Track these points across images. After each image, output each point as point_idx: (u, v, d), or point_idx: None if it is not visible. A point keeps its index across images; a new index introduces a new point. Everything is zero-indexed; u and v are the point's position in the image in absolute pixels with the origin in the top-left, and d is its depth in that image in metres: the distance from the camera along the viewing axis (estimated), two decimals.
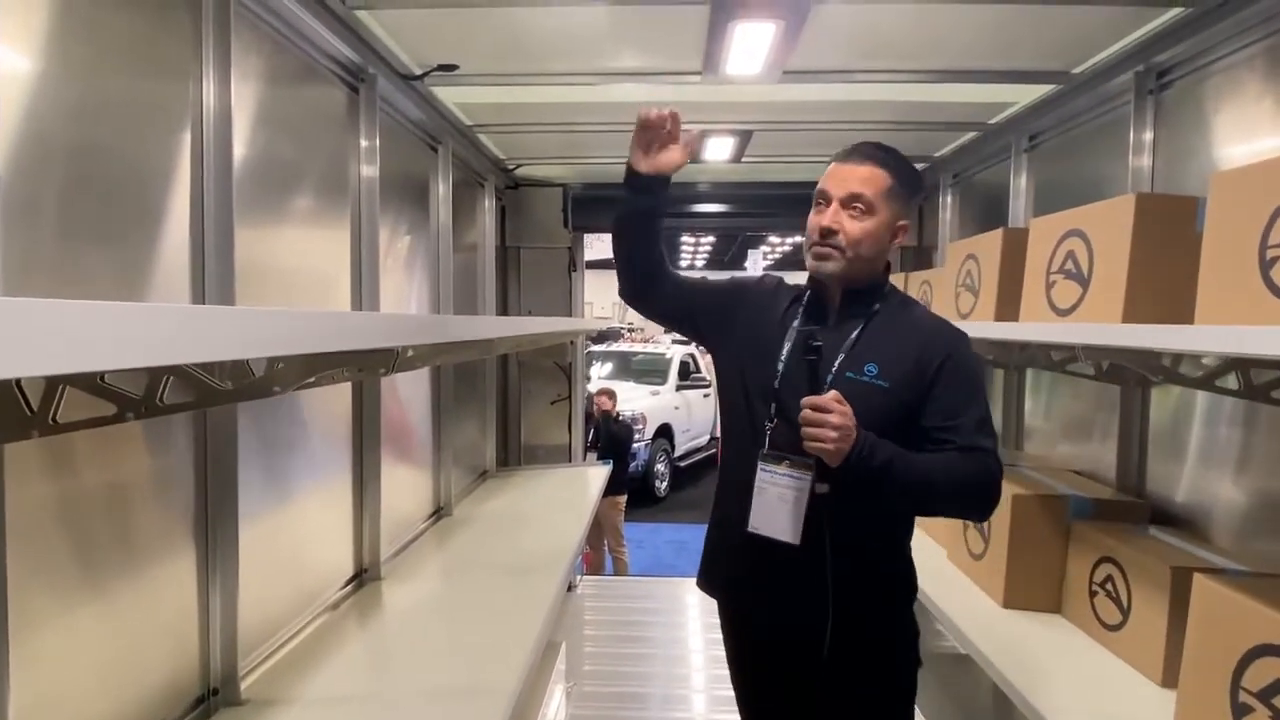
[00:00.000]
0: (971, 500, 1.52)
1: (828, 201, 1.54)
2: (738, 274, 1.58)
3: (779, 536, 1.49)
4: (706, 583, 1.72)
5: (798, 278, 1.71)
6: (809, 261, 1.58)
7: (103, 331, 0.60)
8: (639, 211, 1.66)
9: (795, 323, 1.58)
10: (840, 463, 1.40)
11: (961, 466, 1.45)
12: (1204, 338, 1.31)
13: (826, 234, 1.53)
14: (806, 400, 1.42)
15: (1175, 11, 2.01)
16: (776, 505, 1.49)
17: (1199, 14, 1.96)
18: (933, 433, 1.48)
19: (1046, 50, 2.36)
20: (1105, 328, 1.66)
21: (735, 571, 1.63)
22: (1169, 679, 1.66)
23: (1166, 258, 1.64)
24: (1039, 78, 2.57)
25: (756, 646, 1.67)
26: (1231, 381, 1.56)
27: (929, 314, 1.64)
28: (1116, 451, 2.32)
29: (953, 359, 1.51)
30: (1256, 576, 1.43)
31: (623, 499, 6.21)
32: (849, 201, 1.52)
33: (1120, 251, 1.70)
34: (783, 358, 1.56)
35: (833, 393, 1.42)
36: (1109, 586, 1.91)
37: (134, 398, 1.04)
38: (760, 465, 1.51)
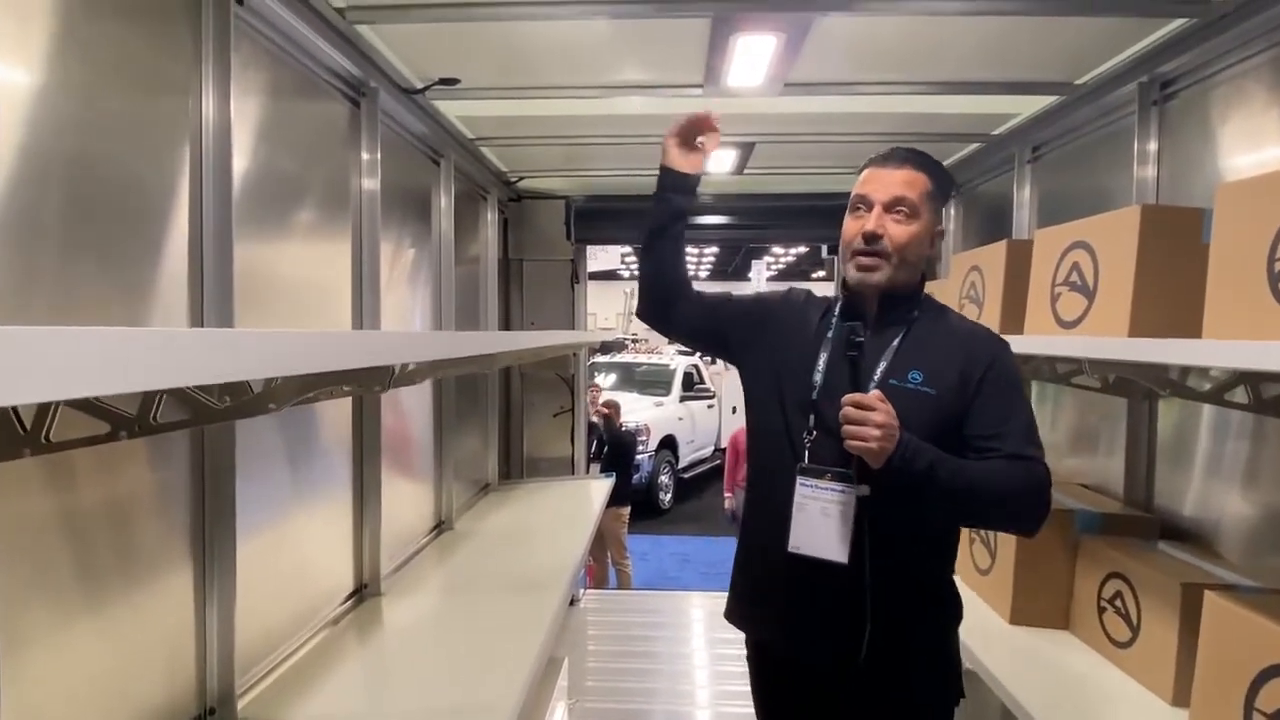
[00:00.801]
0: (1021, 509, 1.44)
1: (869, 206, 1.49)
2: (761, 290, 1.62)
3: (824, 555, 1.41)
4: (741, 616, 1.64)
5: (815, 291, 1.70)
6: (850, 272, 1.51)
7: (94, 357, 0.59)
8: (674, 212, 1.64)
9: (830, 333, 1.54)
10: (883, 464, 1.34)
11: (1009, 475, 1.40)
12: (1212, 352, 1.29)
13: (871, 239, 1.47)
14: (848, 398, 1.36)
15: (1179, 22, 2.00)
16: (819, 521, 1.42)
17: (1203, 24, 1.95)
18: (977, 442, 1.42)
19: (1049, 61, 2.36)
20: (1111, 341, 1.64)
21: (774, 599, 1.54)
22: (1180, 698, 1.64)
23: (1172, 269, 1.62)
24: (1042, 89, 2.57)
25: (783, 664, 1.58)
26: (1240, 395, 1.54)
27: (967, 320, 1.61)
28: (1124, 465, 2.30)
29: (996, 367, 1.46)
30: (1269, 594, 1.41)
31: (626, 510, 6.18)
32: (892, 206, 1.47)
33: (1126, 263, 1.68)
34: (820, 369, 1.51)
35: (875, 391, 1.38)
36: (1118, 603, 1.88)
37: (127, 416, 1.02)
38: (799, 480, 1.45)
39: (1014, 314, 2.20)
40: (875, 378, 1.46)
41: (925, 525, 1.48)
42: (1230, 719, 1.29)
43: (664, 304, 1.69)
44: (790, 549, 1.44)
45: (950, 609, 1.56)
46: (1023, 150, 2.96)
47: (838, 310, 1.56)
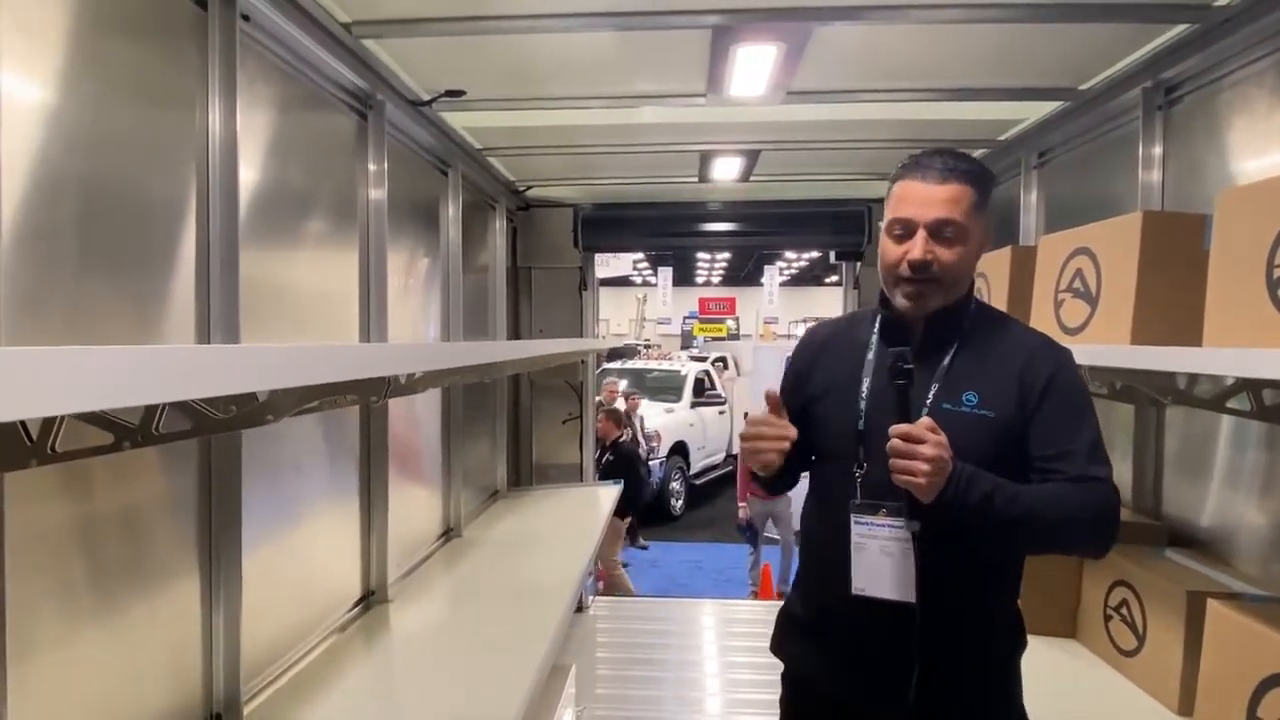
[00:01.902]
0: (1086, 535, 1.34)
1: (910, 230, 1.36)
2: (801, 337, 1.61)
3: (890, 596, 1.33)
4: (789, 653, 1.55)
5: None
6: (898, 300, 1.40)
7: (96, 374, 0.63)
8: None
9: (870, 354, 1.44)
10: (934, 499, 1.25)
11: (1073, 498, 1.29)
12: (1212, 360, 1.29)
13: (921, 269, 1.35)
14: (895, 429, 1.26)
15: (1182, 27, 1.99)
16: (880, 561, 1.34)
17: (1206, 29, 1.94)
18: (1039, 463, 1.33)
19: (1054, 67, 2.35)
20: (1113, 349, 1.64)
21: (829, 639, 1.46)
22: (1185, 707, 1.62)
23: (1175, 276, 1.61)
24: (1047, 94, 2.56)
25: (825, 704, 1.48)
26: (1243, 402, 1.53)
27: (1027, 329, 1.49)
28: (1131, 472, 2.28)
29: (1058, 380, 1.35)
30: (1273, 602, 1.40)
31: (622, 523, 6.16)
32: (939, 229, 1.35)
33: (1128, 270, 1.68)
34: (864, 395, 1.41)
35: (924, 419, 1.27)
36: (1124, 611, 1.87)
37: (130, 427, 1.05)
38: (854, 519, 1.36)
39: (1019, 320, 2.19)
40: (926, 403, 1.35)
41: (980, 559, 1.37)
42: None
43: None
44: (855, 591, 1.36)
45: (1009, 641, 1.45)
46: (1029, 156, 2.95)
47: (877, 330, 1.47)
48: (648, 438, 8.78)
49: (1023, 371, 1.35)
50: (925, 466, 1.23)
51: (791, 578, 1.64)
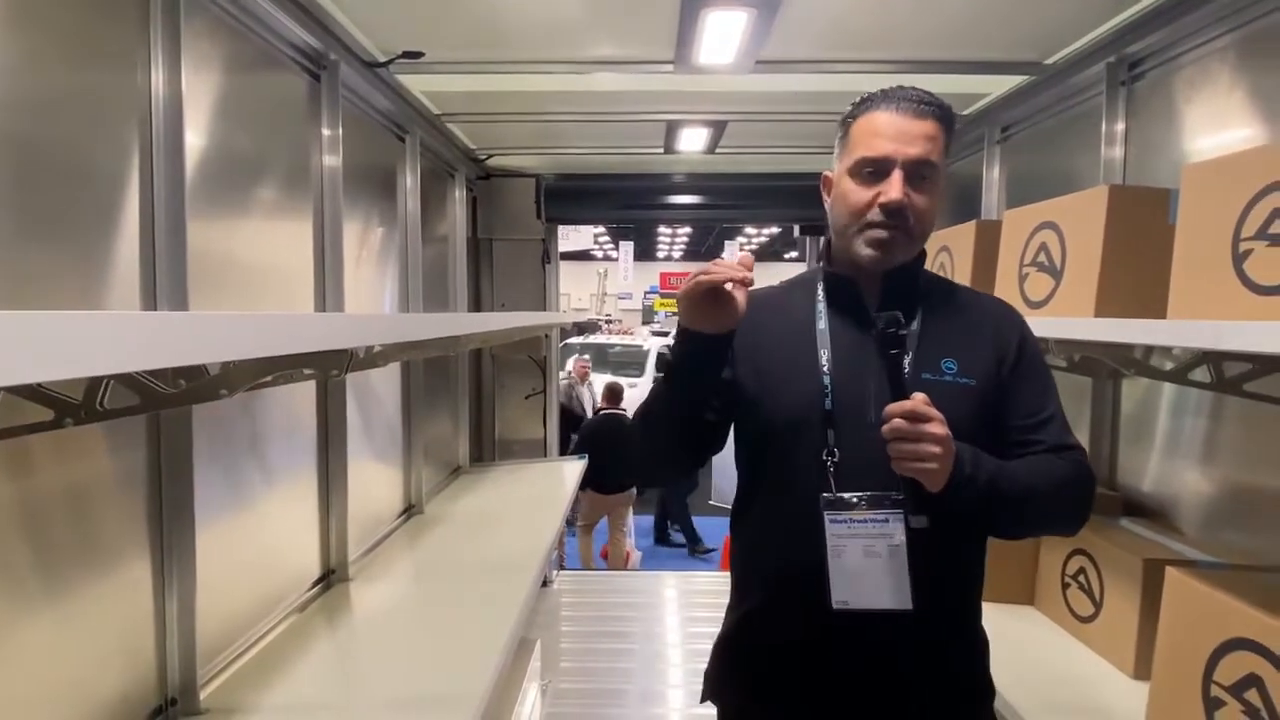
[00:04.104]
0: (1070, 511, 1.23)
1: (882, 170, 1.17)
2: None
3: (884, 606, 1.13)
4: (745, 693, 1.29)
5: (777, 270, 1.52)
6: (860, 250, 1.20)
7: (34, 342, 0.56)
8: (698, 397, 1.19)
9: (822, 324, 1.25)
10: (945, 485, 1.09)
11: (1060, 471, 1.19)
12: (1177, 332, 1.30)
13: (896, 213, 1.16)
14: (896, 407, 1.08)
15: (1147, 1, 2.00)
16: (865, 566, 1.14)
17: (1171, 4, 1.95)
18: (1017, 433, 1.21)
19: (1019, 41, 2.35)
20: (1077, 322, 1.65)
21: (807, 676, 1.22)
22: (1141, 671, 1.67)
23: (1139, 250, 1.63)
24: (1011, 68, 2.56)
25: None
26: (1203, 374, 1.56)
27: (977, 292, 1.39)
28: (1088, 443, 2.33)
29: (1027, 343, 1.26)
30: (1228, 569, 1.44)
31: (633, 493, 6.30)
32: (916, 170, 1.17)
33: (1092, 244, 1.69)
34: (825, 369, 1.21)
35: (919, 395, 1.09)
36: (1081, 579, 1.91)
37: (73, 402, 0.99)
38: (828, 517, 1.15)
39: None
40: (905, 375, 1.15)
41: (977, 552, 1.26)
42: (1189, 691, 1.32)
43: (704, 455, 1.28)
44: (836, 606, 1.14)
45: (986, 645, 1.32)
46: (992, 130, 2.97)
47: (823, 294, 1.28)
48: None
49: (994, 335, 1.24)
50: (937, 449, 1.07)
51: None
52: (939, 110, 1.20)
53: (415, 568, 2.56)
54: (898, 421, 1.08)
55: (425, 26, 2.29)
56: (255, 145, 1.91)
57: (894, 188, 1.16)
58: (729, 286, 1.09)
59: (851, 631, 1.16)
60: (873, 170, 1.19)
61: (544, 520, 3.07)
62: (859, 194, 1.20)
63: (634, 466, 1.30)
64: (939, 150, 1.20)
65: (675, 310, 1.33)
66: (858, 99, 1.26)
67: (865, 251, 1.20)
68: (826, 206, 1.29)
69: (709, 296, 1.10)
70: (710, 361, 1.16)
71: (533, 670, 2.91)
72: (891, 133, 1.18)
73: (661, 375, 1.21)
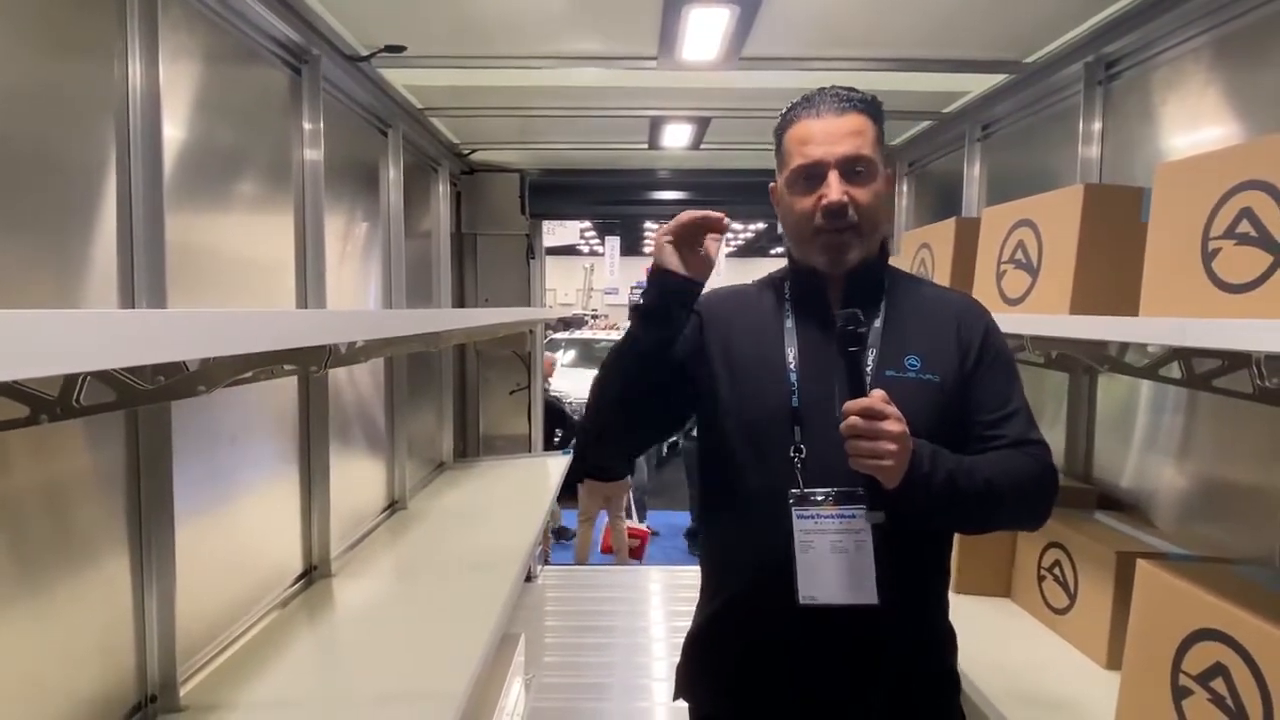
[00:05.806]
0: (1030, 507, 1.25)
1: (817, 175, 1.19)
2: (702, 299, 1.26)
3: (847, 600, 1.14)
4: (715, 692, 1.31)
5: (762, 266, 1.49)
6: (816, 258, 1.23)
7: (9, 340, 0.56)
8: (664, 339, 1.20)
9: (790, 322, 1.28)
10: (900, 481, 1.11)
11: (1021, 466, 1.20)
12: (1149, 329, 1.32)
13: (838, 213, 1.18)
14: (853, 405, 1.10)
15: (1124, 1, 2.03)
16: (831, 561, 1.15)
17: (1148, 4, 1.98)
18: (980, 428, 1.22)
19: (999, 40, 2.37)
20: (1053, 319, 1.68)
21: (775, 668, 1.23)
22: (1113, 661, 1.70)
23: (1114, 247, 1.65)
24: (992, 67, 2.59)
25: None
26: (1175, 370, 1.59)
27: (940, 286, 1.41)
28: (1065, 438, 2.36)
29: (991, 337, 1.26)
30: (1197, 562, 1.47)
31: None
32: (850, 166, 1.19)
33: (1068, 241, 1.71)
34: (792, 367, 1.23)
35: (877, 392, 1.12)
36: (1057, 571, 1.94)
37: (48, 399, 0.98)
38: (796, 513, 1.17)
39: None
40: (867, 371, 1.19)
41: (939, 542, 1.28)
42: (1158, 681, 1.35)
43: (650, 437, 1.37)
44: (803, 601, 1.15)
45: (953, 639, 1.33)
46: (973, 129, 2.99)
47: (789, 295, 1.30)
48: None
49: (957, 330, 1.25)
50: (892, 446, 1.08)
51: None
52: (861, 104, 1.23)
53: (398, 564, 2.56)
54: (854, 419, 1.10)
55: (408, 20, 2.27)
56: (235, 139, 1.90)
57: (832, 189, 1.18)
58: (707, 240, 1.16)
59: (818, 627, 1.17)
60: (808, 177, 1.21)
61: (527, 516, 3.08)
62: (801, 203, 1.22)
63: (587, 427, 1.32)
64: (870, 142, 1.21)
65: None
66: (784, 109, 1.28)
67: (821, 259, 1.23)
68: (780, 217, 1.31)
69: (690, 231, 1.15)
70: (680, 305, 1.18)
71: (517, 664, 2.91)
72: (819, 136, 1.20)
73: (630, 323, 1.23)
